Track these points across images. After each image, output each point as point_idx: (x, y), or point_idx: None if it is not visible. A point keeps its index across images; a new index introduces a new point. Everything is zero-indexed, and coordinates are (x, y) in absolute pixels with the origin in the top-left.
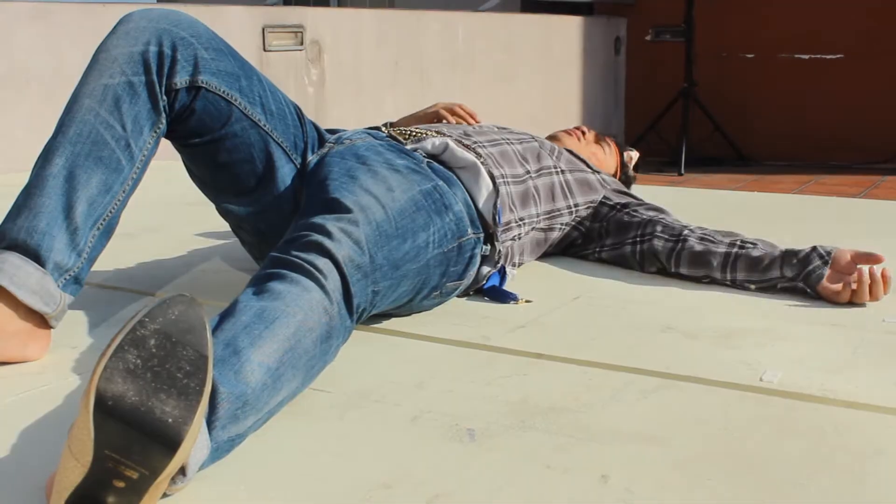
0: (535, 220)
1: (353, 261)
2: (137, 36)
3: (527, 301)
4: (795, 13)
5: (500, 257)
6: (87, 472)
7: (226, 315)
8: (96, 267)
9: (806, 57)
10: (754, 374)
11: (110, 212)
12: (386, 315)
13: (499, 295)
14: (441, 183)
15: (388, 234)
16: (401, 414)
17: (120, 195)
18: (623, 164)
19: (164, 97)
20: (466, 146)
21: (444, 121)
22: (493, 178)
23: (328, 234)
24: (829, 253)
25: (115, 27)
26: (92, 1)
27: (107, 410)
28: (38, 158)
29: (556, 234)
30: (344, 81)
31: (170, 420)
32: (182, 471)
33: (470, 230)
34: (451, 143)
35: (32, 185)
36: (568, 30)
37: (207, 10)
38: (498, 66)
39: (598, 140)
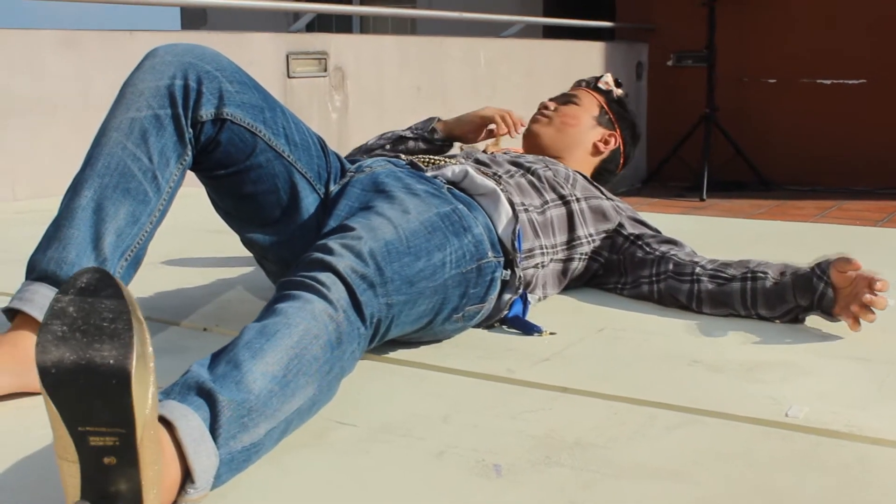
0: (554, 250)
1: (357, 271)
2: (163, 70)
3: (550, 333)
4: (817, 38)
5: (520, 283)
6: (81, 465)
7: (230, 342)
8: None
9: (828, 82)
10: (779, 409)
11: (138, 243)
12: (410, 345)
13: (522, 326)
14: (461, 206)
15: (399, 251)
16: (426, 448)
17: (147, 226)
18: (607, 97)
19: (190, 130)
20: (486, 174)
21: (493, 125)
22: (512, 204)
23: (329, 251)
24: (824, 272)
25: (141, 62)
26: (119, 29)
27: (53, 379)
28: (67, 191)
29: (576, 265)
30: (367, 107)
31: (112, 361)
32: (190, 477)
33: (490, 253)
34: (471, 171)
35: (62, 217)
36: (590, 55)
37: (232, 38)
38: (520, 92)
39: (567, 101)
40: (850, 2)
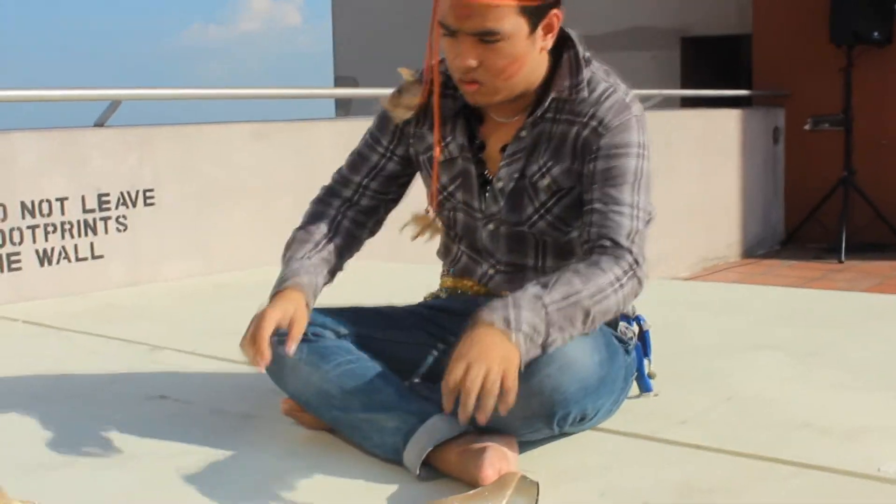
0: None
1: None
2: None
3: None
4: None
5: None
6: None
7: None
8: None
9: None
10: (874, 465)
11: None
12: None
13: (640, 378)
14: None
15: None
16: (594, 491)
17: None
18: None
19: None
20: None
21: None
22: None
23: None
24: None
25: None
26: (301, 119)
27: None
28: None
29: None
30: None
31: None
32: None
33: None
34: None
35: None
36: (727, 122)
37: None
38: (658, 160)
39: (488, 42)
40: None
